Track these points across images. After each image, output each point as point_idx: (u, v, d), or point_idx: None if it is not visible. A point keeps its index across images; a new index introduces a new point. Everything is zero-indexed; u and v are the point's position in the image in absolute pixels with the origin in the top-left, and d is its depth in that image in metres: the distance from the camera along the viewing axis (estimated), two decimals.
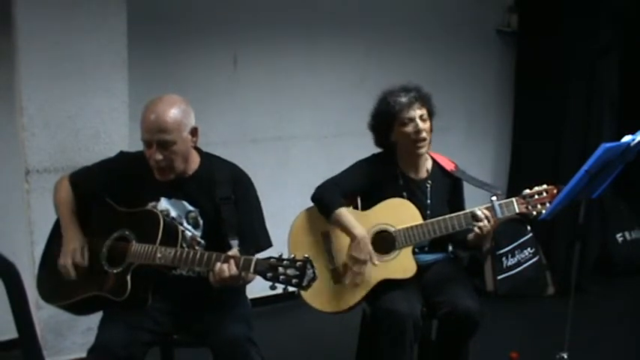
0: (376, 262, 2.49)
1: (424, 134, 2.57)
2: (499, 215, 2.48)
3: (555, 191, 2.50)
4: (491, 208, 2.48)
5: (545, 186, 2.52)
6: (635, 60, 4.27)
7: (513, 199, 2.50)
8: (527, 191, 2.52)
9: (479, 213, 2.46)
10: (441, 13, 4.32)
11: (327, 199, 2.59)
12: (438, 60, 4.34)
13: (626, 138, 2.47)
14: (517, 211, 2.50)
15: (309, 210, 2.68)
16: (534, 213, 2.50)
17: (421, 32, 4.26)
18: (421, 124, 2.57)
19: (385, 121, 2.62)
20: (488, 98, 4.67)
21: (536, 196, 2.50)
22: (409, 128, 2.57)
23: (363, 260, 2.49)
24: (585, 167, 2.41)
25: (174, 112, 2.18)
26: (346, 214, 2.56)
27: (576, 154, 4.08)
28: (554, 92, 4.27)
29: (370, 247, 2.50)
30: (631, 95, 4.28)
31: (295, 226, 2.68)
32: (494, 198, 2.50)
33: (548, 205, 2.49)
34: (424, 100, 2.61)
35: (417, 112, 2.58)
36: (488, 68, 4.62)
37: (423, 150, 2.61)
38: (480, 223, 2.45)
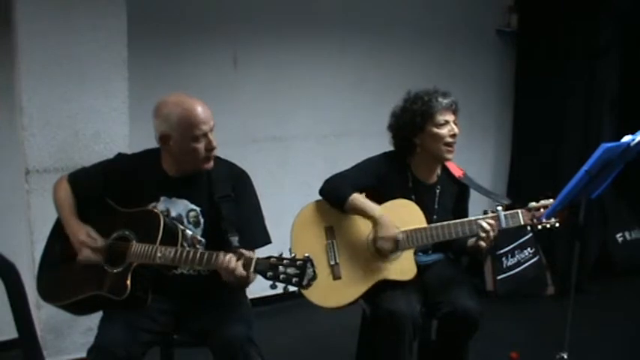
0: (400, 237, 2.47)
1: (456, 139, 2.57)
2: (503, 225, 2.48)
3: None
4: (497, 218, 2.48)
5: (551, 200, 2.50)
6: (635, 60, 4.27)
7: (519, 211, 2.50)
8: (534, 204, 2.51)
9: (484, 224, 2.44)
10: (441, 14, 4.32)
11: (338, 189, 2.56)
12: (438, 60, 4.35)
13: (626, 138, 2.46)
14: (522, 222, 2.49)
15: (317, 202, 2.64)
16: (539, 227, 2.49)
17: (421, 32, 4.26)
18: (456, 129, 2.56)
19: (419, 120, 2.55)
20: (488, 98, 4.67)
21: (542, 210, 2.49)
22: (444, 130, 2.54)
23: (393, 236, 2.48)
24: (585, 167, 2.40)
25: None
26: (361, 197, 2.53)
27: (576, 154, 4.08)
28: (554, 92, 4.27)
29: (393, 223, 2.48)
30: (631, 95, 4.28)
31: (299, 220, 2.63)
32: (499, 208, 2.49)
33: (553, 219, 2.49)
34: (457, 108, 2.61)
35: (452, 116, 2.58)
36: (488, 68, 4.62)
37: (452, 155, 2.59)
38: (484, 234, 2.44)
